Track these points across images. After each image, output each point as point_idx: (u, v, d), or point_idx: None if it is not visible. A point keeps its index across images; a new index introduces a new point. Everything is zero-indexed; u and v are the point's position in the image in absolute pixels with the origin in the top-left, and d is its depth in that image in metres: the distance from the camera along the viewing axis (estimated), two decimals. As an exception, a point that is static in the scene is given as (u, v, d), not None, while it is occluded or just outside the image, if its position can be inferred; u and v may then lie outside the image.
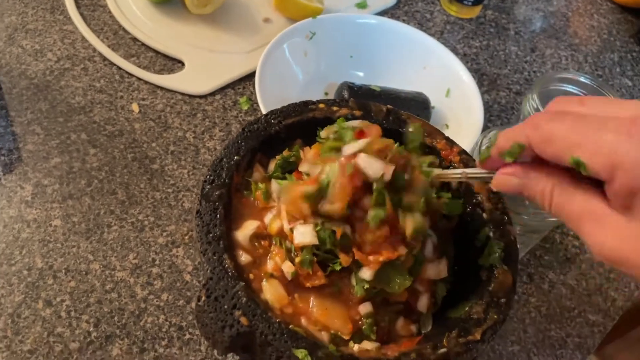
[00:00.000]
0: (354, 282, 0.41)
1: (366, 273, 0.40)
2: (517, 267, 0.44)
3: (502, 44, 0.88)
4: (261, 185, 0.45)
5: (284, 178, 0.46)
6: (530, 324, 0.60)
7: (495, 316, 0.41)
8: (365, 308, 0.41)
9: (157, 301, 0.55)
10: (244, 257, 0.42)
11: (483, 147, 0.51)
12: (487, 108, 0.79)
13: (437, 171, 0.42)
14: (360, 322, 0.41)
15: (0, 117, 0.66)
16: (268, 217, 0.44)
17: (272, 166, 0.47)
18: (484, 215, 0.45)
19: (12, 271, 0.55)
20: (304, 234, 0.40)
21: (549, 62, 0.87)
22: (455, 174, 0.41)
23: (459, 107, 0.70)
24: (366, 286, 0.40)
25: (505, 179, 0.36)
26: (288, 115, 0.49)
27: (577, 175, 0.31)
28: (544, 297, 0.62)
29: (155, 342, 0.53)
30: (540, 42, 0.90)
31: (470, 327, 0.40)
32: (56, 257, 0.57)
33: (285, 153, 0.46)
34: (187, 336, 0.54)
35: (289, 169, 0.46)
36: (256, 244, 0.44)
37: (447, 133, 0.65)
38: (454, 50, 0.83)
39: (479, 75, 0.82)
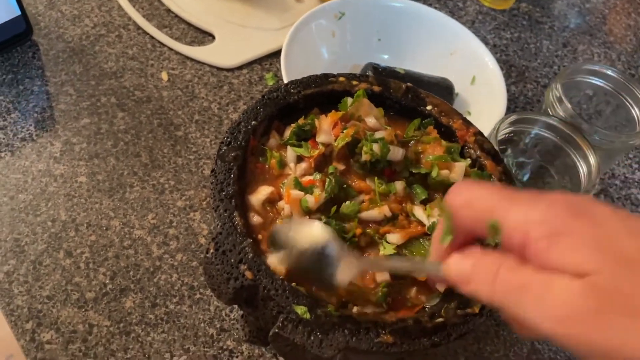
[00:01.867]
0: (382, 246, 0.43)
1: (394, 237, 0.42)
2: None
3: (534, 37, 0.87)
4: (276, 154, 0.47)
5: (300, 146, 0.47)
6: (538, 313, 0.60)
7: (496, 292, 0.41)
8: (382, 276, 0.42)
9: (171, 260, 0.57)
10: (256, 219, 0.44)
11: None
12: (513, 99, 0.78)
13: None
14: (374, 290, 0.42)
15: (37, 77, 0.69)
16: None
17: (287, 133, 0.48)
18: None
19: (37, 221, 0.58)
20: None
21: (581, 58, 0.86)
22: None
23: (482, 96, 0.70)
24: (393, 249, 0.42)
25: (457, 261, 0.32)
26: (308, 85, 0.50)
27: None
28: (554, 288, 0.62)
29: (166, 299, 0.55)
30: (574, 37, 0.88)
31: (470, 300, 0.41)
32: (79, 212, 0.59)
33: (301, 121, 0.47)
34: (198, 296, 0.56)
35: (304, 137, 0.47)
36: (268, 208, 0.45)
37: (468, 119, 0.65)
38: (484, 40, 0.83)
39: (507, 67, 0.82)
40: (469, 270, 0.31)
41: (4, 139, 0.63)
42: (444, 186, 0.45)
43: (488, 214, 0.30)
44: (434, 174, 0.45)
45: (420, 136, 0.49)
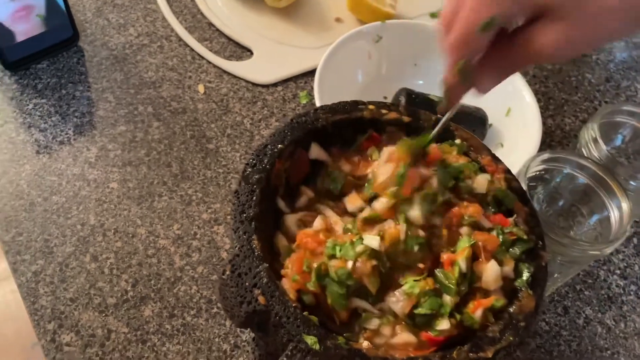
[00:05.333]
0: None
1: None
2: (543, 293, 0.43)
3: (576, 70, 0.85)
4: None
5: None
6: (558, 357, 0.58)
7: (511, 338, 0.40)
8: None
9: (192, 272, 0.58)
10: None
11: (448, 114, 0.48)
12: (549, 133, 0.77)
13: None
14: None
15: (79, 82, 0.71)
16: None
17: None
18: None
19: (68, 224, 0.60)
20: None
21: (624, 95, 0.83)
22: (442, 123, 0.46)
23: (517, 128, 0.69)
24: None
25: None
26: (337, 111, 0.50)
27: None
28: (577, 332, 0.60)
29: (184, 310, 0.56)
30: (618, 72, 0.86)
31: (484, 344, 0.40)
32: (108, 217, 0.61)
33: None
34: (215, 310, 0.56)
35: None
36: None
37: (500, 152, 0.64)
38: (524, 71, 0.82)
39: (546, 99, 0.80)
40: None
41: (43, 141, 0.65)
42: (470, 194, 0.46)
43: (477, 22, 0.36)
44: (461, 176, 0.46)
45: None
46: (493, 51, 0.38)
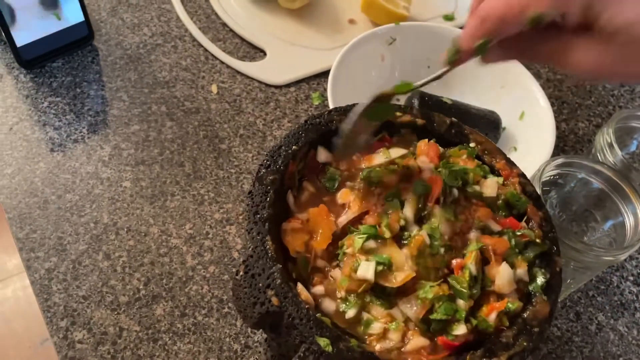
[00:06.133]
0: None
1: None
2: (557, 299, 0.43)
3: None
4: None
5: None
6: (570, 363, 0.58)
7: (525, 343, 0.40)
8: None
9: (204, 272, 0.59)
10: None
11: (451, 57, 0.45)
12: (563, 137, 0.76)
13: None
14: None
15: (94, 81, 0.72)
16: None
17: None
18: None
19: (81, 222, 0.60)
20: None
21: (638, 99, 0.83)
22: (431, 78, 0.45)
23: (530, 132, 0.69)
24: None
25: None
26: (351, 114, 0.50)
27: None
28: (589, 338, 0.60)
29: (195, 310, 0.56)
30: (633, 77, 0.85)
31: (497, 349, 0.40)
32: (121, 216, 0.61)
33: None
34: (226, 309, 0.56)
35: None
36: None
37: (513, 156, 0.64)
38: (537, 75, 0.81)
39: (560, 103, 0.80)
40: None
41: (57, 139, 0.66)
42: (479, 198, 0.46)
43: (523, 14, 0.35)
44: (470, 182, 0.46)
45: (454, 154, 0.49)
46: (521, 33, 0.37)
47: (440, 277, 0.42)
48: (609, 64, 0.35)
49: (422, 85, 0.45)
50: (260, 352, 0.54)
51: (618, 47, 0.34)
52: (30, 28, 0.67)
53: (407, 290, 0.41)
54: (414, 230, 0.43)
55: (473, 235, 0.44)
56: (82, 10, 0.70)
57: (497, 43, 0.38)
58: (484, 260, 0.42)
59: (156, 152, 0.67)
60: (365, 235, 0.42)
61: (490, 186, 0.47)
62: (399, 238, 0.43)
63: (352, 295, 0.41)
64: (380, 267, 0.40)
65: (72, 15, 0.70)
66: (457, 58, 0.40)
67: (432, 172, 0.45)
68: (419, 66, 0.75)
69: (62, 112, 0.68)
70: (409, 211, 0.43)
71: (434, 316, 0.40)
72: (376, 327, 0.41)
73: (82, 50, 0.74)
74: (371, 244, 0.42)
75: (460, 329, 0.40)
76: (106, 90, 0.71)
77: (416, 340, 0.40)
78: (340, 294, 0.41)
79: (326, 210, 0.44)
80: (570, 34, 0.36)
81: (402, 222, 0.42)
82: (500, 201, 0.47)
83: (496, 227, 0.45)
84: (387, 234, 0.42)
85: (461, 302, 0.40)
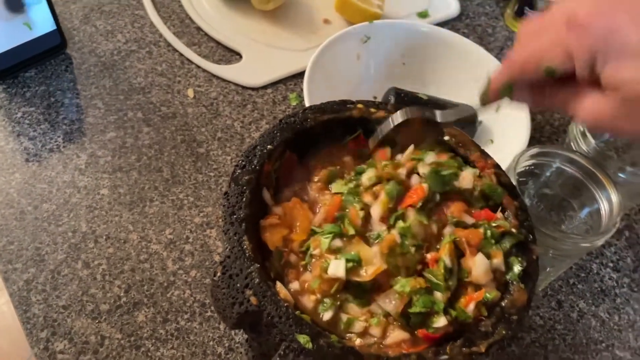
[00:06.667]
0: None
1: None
2: (535, 287, 0.43)
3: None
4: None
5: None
6: (553, 351, 0.58)
7: (504, 332, 0.40)
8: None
9: (185, 276, 0.58)
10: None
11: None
12: (539, 129, 0.77)
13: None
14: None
15: (68, 90, 0.71)
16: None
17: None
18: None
19: (59, 231, 0.60)
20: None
21: (612, 89, 0.84)
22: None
23: (506, 124, 0.69)
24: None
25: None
26: (326, 111, 0.50)
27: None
28: (571, 326, 0.60)
29: (178, 315, 0.56)
30: (605, 67, 0.87)
31: (476, 339, 0.40)
32: (99, 224, 0.61)
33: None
34: (209, 313, 0.56)
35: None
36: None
37: (490, 148, 0.64)
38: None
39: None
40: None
41: (32, 149, 0.65)
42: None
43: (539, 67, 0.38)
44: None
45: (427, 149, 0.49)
46: (542, 81, 0.40)
47: (413, 273, 0.42)
48: (610, 118, 0.37)
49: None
50: (241, 352, 0.53)
51: (619, 102, 0.36)
52: (0, 39, 0.67)
53: (382, 286, 0.41)
54: (383, 230, 0.43)
55: (447, 230, 0.44)
56: (53, 19, 0.69)
57: (527, 88, 0.41)
58: (459, 252, 0.43)
59: (133, 159, 0.66)
60: (330, 235, 0.42)
61: (466, 178, 0.47)
62: (367, 238, 0.43)
63: (328, 298, 0.41)
64: (350, 264, 0.40)
65: (43, 24, 0.69)
66: (486, 99, 0.45)
67: (420, 180, 0.45)
68: (394, 64, 0.75)
69: (36, 121, 0.68)
70: (376, 210, 0.43)
71: (412, 309, 0.40)
72: (358, 326, 0.41)
73: (55, 59, 0.73)
74: (337, 242, 0.42)
75: (440, 321, 0.40)
76: (81, 98, 0.71)
77: (397, 334, 0.40)
78: (316, 296, 0.41)
79: (300, 202, 0.44)
80: (583, 86, 0.38)
81: (362, 215, 0.43)
82: (476, 192, 0.47)
83: (470, 220, 0.45)
84: (351, 231, 0.42)
85: (438, 295, 0.41)
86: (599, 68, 0.36)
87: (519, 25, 0.41)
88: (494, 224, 0.44)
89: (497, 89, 0.43)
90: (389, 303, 0.41)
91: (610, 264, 0.65)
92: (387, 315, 0.41)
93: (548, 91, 0.40)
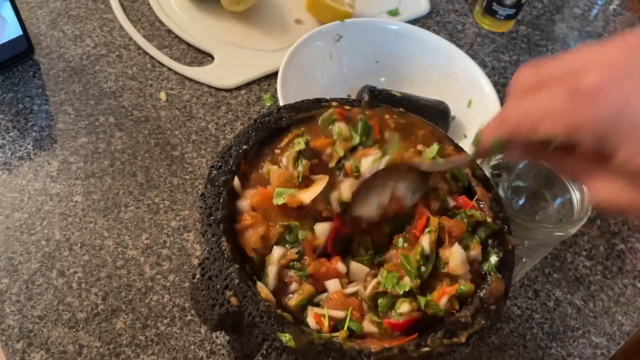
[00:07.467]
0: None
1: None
2: (512, 276, 0.44)
3: (532, 60, 0.87)
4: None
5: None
6: (531, 339, 0.59)
7: (483, 322, 0.41)
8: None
9: (163, 281, 0.58)
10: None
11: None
12: (510, 122, 0.78)
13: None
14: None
15: (37, 96, 0.70)
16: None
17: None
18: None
19: (32, 240, 0.58)
20: None
21: (579, 81, 0.86)
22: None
23: (478, 119, 0.70)
24: None
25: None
26: (300, 110, 0.50)
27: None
28: (548, 314, 0.61)
29: (157, 320, 0.55)
30: (572, 60, 0.88)
31: (457, 329, 0.40)
32: (74, 231, 0.60)
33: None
34: (189, 317, 0.56)
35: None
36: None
37: (464, 143, 0.65)
38: (482, 63, 0.83)
39: (505, 89, 0.82)
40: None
41: (1, 157, 0.64)
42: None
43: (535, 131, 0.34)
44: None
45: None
46: (537, 144, 0.36)
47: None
48: (628, 202, 0.33)
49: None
50: (223, 354, 0.53)
51: (639, 188, 0.32)
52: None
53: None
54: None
55: (434, 206, 0.46)
56: (19, 24, 0.68)
57: (521, 147, 0.37)
58: (438, 241, 0.43)
59: (107, 164, 0.65)
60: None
61: (429, 154, 0.48)
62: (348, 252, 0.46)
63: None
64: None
65: (9, 29, 0.68)
66: (477, 152, 0.40)
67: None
68: (367, 62, 0.76)
69: (4, 129, 0.66)
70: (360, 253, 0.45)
71: (380, 288, 0.41)
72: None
73: (22, 65, 0.72)
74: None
75: (404, 307, 0.40)
76: (50, 104, 0.69)
77: (366, 326, 0.41)
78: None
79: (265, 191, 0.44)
80: (588, 160, 0.34)
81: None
82: (448, 175, 0.48)
83: (452, 202, 0.46)
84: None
85: (407, 279, 0.41)
86: (609, 147, 0.32)
87: (515, 76, 0.37)
88: (469, 213, 0.45)
89: (488, 147, 0.38)
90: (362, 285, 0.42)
91: (584, 253, 0.67)
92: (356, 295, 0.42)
93: (546, 154, 0.37)
